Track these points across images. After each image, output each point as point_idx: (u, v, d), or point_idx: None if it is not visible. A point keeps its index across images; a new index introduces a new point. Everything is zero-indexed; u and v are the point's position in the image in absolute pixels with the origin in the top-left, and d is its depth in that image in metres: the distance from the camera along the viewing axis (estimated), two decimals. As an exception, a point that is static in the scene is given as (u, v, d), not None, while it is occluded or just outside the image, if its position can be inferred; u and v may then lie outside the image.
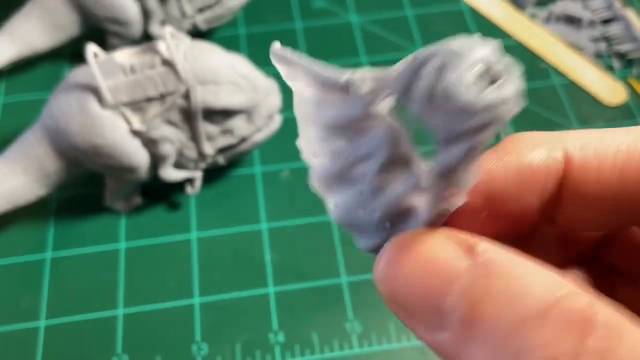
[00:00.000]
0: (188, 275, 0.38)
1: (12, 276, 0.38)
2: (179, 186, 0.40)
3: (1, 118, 0.44)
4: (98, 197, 0.40)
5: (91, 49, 0.34)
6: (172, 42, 0.33)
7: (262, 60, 0.47)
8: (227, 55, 0.35)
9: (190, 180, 0.39)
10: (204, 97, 0.34)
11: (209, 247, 0.39)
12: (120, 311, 0.36)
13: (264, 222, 0.40)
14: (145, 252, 0.39)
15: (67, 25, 0.43)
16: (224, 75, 0.34)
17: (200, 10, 0.44)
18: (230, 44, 0.49)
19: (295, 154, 0.42)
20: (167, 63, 0.33)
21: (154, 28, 0.44)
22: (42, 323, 0.36)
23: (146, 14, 0.43)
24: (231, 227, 0.40)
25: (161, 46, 0.34)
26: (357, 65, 0.47)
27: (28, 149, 0.35)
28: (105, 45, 0.46)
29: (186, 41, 0.34)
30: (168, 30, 0.34)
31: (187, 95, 0.34)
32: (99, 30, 0.44)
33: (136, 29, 0.43)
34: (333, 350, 0.35)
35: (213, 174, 0.41)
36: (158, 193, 0.41)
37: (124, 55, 0.34)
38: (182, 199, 0.41)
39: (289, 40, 0.49)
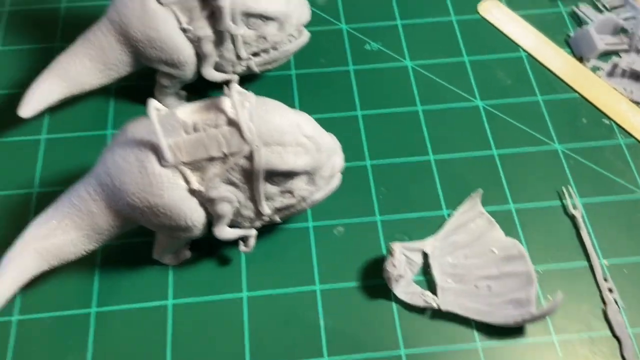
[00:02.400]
0: (239, 337, 0.36)
1: (57, 331, 0.36)
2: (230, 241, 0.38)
3: (44, 154, 0.43)
4: (145, 248, 0.39)
5: (153, 104, 0.32)
6: (237, 99, 0.31)
7: (312, 103, 0.46)
8: (293, 113, 0.33)
9: (243, 238, 0.37)
10: (268, 158, 0.32)
11: (261, 307, 0.37)
12: (168, 376, 0.35)
13: (317, 283, 0.38)
14: (194, 309, 0.37)
15: (118, 65, 0.41)
16: (289, 136, 0.33)
17: (255, 54, 0.42)
18: (281, 84, 0.47)
19: (349, 210, 0.40)
20: (232, 123, 0.32)
21: (208, 71, 0.42)
22: (85, 384, 0.34)
23: (201, 57, 0.41)
24: (283, 288, 0.38)
25: (226, 104, 0.32)
26: (413, 112, 0.46)
27: (80, 205, 0.33)
28: (154, 84, 0.44)
29: (251, 99, 0.33)
30: (235, 88, 0.32)
31: (250, 156, 0.32)
32: (149, 69, 0.43)
33: (189, 71, 0.42)
34: None
35: (265, 227, 0.39)
36: (207, 247, 0.39)
37: (186, 112, 0.33)
38: (232, 254, 0.39)
39: (341, 82, 0.47)
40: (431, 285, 0.38)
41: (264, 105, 0.33)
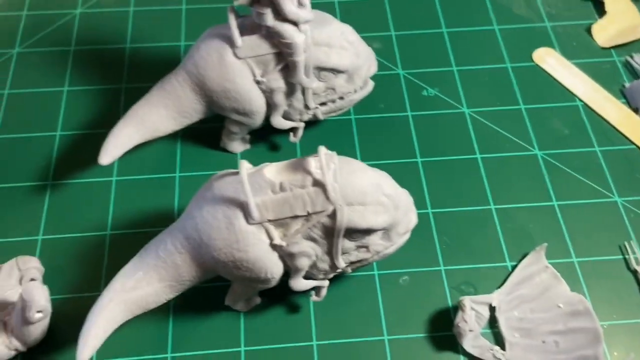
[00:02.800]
0: (310, 387, 0.37)
1: (134, 377, 0.37)
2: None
3: (115, 197, 0.44)
4: (217, 294, 0.40)
5: (245, 165, 0.33)
6: (324, 161, 0.33)
7: (372, 147, 0.47)
8: (373, 173, 0.34)
9: (315, 288, 0.38)
10: (350, 217, 0.33)
11: (330, 356, 0.38)
12: None
13: (385, 333, 0.39)
14: (266, 356, 0.38)
15: (192, 113, 0.43)
16: (370, 196, 0.34)
17: (322, 103, 0.44)
18: (342, 128, 0.48)
19: (413, 260, 0.41)
20: (318, 183, 0.33)
21: (277, 119, 0.43)
22: None
23: (271, 106, 0.42)
24: (352, 337, 0.39)
25: (312, 165, 0.33)
26: (472, 160, 0.46)
27: (166, 257, 0.34)
28: (219, 126, 0.46)
29: (335, 159, 0.34)
30: (322, 150, 0.33)
31: (333, 215, 0.33)
32: (216, 114, 0.44)
33: (259, 119, 0.43)
34: None
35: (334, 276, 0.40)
36: (277, 294, 0.40)
37: (273, 171, 0.34)
38: (301, 301, 0.40)
39: (400, 127, 0.48)
40: (498, 339, 0.38)
41: (347, 165, 0.34)
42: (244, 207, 0.33)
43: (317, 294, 0.38)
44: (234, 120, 0.43)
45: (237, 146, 0.46)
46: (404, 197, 0.36)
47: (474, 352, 0.37)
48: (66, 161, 0.46)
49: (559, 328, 0.38)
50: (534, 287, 0.40)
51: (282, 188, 0.33)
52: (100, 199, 0.44)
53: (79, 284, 0.40)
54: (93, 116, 0.48)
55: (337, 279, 0.40)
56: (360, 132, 0.48)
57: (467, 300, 0.38)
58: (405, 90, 0.50)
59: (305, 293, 0.39)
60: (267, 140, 0.47)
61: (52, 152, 0.46)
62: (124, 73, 0.51)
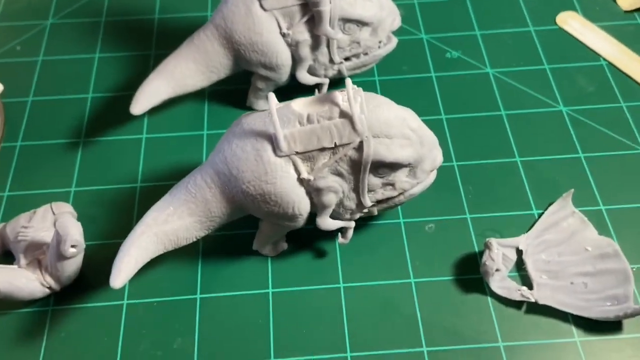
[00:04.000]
0: (338, 324, 0.37)
1: (165, 315, 0.38)
2: (324, 233, 0.39)
3: (144, 152, 0.45)
4: (244, 239, 0.40)
5: (273, 97, 0.34)
6: (351, 93, 0.33)
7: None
8: (400, 108, 0.35)
9: (341, 230, 0.38)
10: (376, 149, 0.34)
11: (357, 298, 0.38)
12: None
13: (411, 276, 0.39)
14: (293, 297, 0.38)
15: (219, 68, 0.43)
16: (396, 129, 0.34)
17: (347, 58, 0.44)
18: (366, 89, 0.48)
19: (439, 208, 0.41)
20: (345, 115, 0.33)
21: (302, 74, 0.44)
22: (193, 366, 0.36)
23: (297, 60, 0.43)
24: (378, 280, 0.39)
25: (339, 97, 0.34)
26: (497, 117, 0.47)
27: (197, 192, 0.35)
28: (245, 87, 0.47)
29: (362, 93, 0.34)
30: (348, 82, 0.34)
31: (359, 147, 0.34)
32: (243, 73, 0.45)
33: (285, 74, 0.44)
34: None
35: (360, 220, 0.40)
36: (304, 240, 0.40)
37: (301, 105, 0.34)
38: (327, 246, 0.40)
39: (424, 88, 0.49)
40: (525, 281, 0.38)
41: (373, 99, 0.34)
42: (272, 140, 0.34)
43: (344, 236, 0.38)
44: (260, 75, 0.44)
45: (264, 104, 0.47)
46: (429, 134, 0.36)
47: (502, 292, 0.37)
48: (98, 120, 0.47)
49: (588, 270, 0.38)
50: (562, 231, 0.40)
51: (309, 120, 0.34)
52: (131, 154, 0.45)
53: (110, 232, 0.41)
54: (124, 80, 0.50)
55: (363, 225, 0.41)
56: (384, 93, 0.49)
57: (493, 241, 0.38)
58: (429, 54, 0.51)
59: (332, 236, 0.40)
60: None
61: (85, 113, 0.47)
62: (152, 41, 0.52)
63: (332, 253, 0.40)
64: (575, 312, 0.36)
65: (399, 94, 0.48)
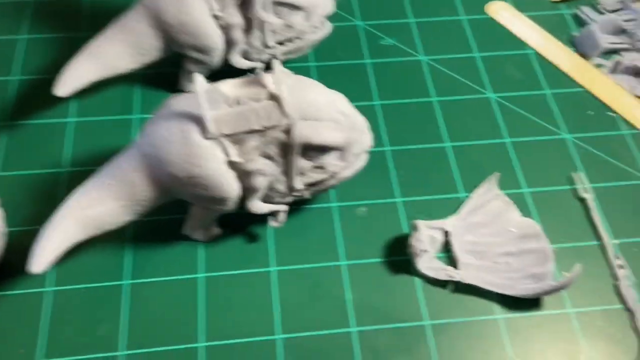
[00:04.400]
0: (268, 308, 0.37)
1: (91, 302, 0.37)
2: (256, 218, 0.39)
3: (70, 136, 0.44)
4: (174, 225, 0.40)
5: (199, 78, 0.33)
6: (279, 75, 0.33)
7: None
8: (330, 92, 0.35)
9: (274, 213, 0.38)
10: (304, 132, 0.34)
11: (289, 281, 0.38)
12: (202, 344, 0.36)
13: (342, 259, 0.39)
14: (225, 282, 0.38)
15: (149, 50, 0.43)
16: (325, 112, 0.34)
17: (281, 42, 0.44)
18: (301, 74, 0.49)
19: (370, 192, 0.42)
20: (273, 97, 0.33)
21: (235, 58, 0.44)
22: (120, 353, 0.35)
23: (229, 43, 0.43)
24: (310, 263, 0.39)
25: (267, 79, 0.34)
26: (428, 103, 0.48)
27: (121, 175, 0.35)
28: (178, 71, 0.46)
29: (291, 76, 0.34)
30: (277, 64, 0.34)
31: (288, 130, 0.34)
32: (176, 55, 0.44)
33: (217, 57, 0.43)
34: (419, 394, 0.35)
35: (292, 204, 0.40)
36: (236, 224, 0.40)
37: (229, 86, 0.34)
38: (260, 231, 0.40)
39: (358, 74, 0.49)
40: (452, 262, 0.39)
41: (302, 82, 0.35)
42: (200, 122, 0.33)
43: (276, 220, 0.38)
44: (192, 58, 0.43)
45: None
46: (359, 118, 0.37)
47: (429, 272, 0.38)
48: (25, 104, 0.45)
49: (511, 250, 0.39)
50: (487, 213, 0.41)
51: (237, 102, 0.33)
52: (59, 138, 0.44)
53: (36, 217, 0.40)
54: (52, 62, 0.48)
55: (296, 209, 0.41)
56: (319, 78, 0.48)
57: (419, 222, 0.39)
58: (364, 40, 0.51)
59: (265, 220, 0.40)
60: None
61: (11, 95, 0.46)
62: (82, 22, 0.51)
63: (265, 237, 0.40)
64: (498, 290, 0.38)
65: (334, 79, 0.49)
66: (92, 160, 0.43)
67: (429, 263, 0.38)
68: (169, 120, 0.34)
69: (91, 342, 0.35)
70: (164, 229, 0.40)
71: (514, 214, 0.41)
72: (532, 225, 0.40)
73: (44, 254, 0.32)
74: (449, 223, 0.40)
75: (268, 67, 0.46)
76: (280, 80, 0.33)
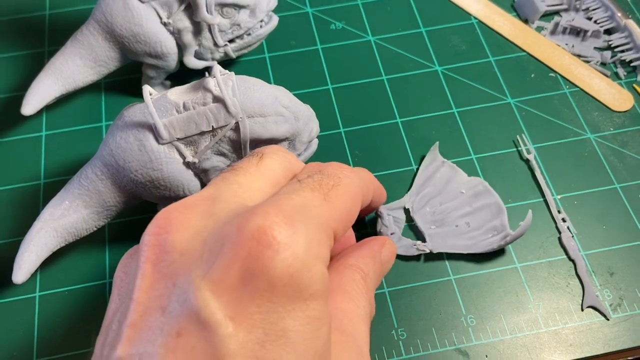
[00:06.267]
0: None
1: (77, 303, 0.40)
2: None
3: (45, 149, 0.47)
4: (147, 223, 0.43)
5: (147, 89, 0.36)
6: (221, 79, 0.36)
7: (287, 81, 0.50)
8: (271, 88, 0.38)
9: (236, 204, 0.41)
10: (252, 128, 0.37)
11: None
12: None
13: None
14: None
15: (107, 61, 0.45)
16: (269, 107, 0.37)
17: (231, 40, 0.47)
18: (257, 67, 0.51)
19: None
20: (218, 99, 0.36)
21: (189, 59, 0.46)
22: (108, 345, 0.39)
23: (182, 47, 0.45)
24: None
25: (211, 83, 0.36)
26: (379, 82, 0.50)
27: (89, 185, 0.37)
28: (140, 77, 0.48)
29: (233, 77, 0.37)
30: (217, 68, 0.36)
31: (236, 128, 0.36)
32: (135, 63, 0.47)
33: (172, 61, 0.46)
34: (383, 358, 0.38)
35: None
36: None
37: (176, 94, 0.37)
38: (227, 221, 0.43)
39: (311, 60, 0.52)
40: (418, 236, 0.42)
41: (244, 82, 0.37)
42: (152, 129, 0.36)
43: (238, 209, 0.41)
44: (149, 64, 0.46)
45: (159, 91, 0.48)
46: (303, 108, 0.39)
47: (400, 251, 0.41)
48: (-3, 123, 0.48)
49: (467, 210, 0.42)
50: (437, 182, 0.44)
51: (185, 107, 0.36)
52: (32, 152, 0.47)
53: (17, 230, 0.43)
54: (18, 80, 0.50)
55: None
56: (275, 68, 0.51)
57: (382, 208, 0.42)
58: (315, 27, 0.54)
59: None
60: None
61: (-19, 116, 0.48)
62: (45, 38, 0.53)
63: (232, 226, 0.43)
64: (465, 251, 0.41)
65: (289, 68, 0.51)
66: (68, 169, 0.46)
67: (399, 242, 0.41)
68: (125, 130, 0.36)
69: (80, 341, 0.39)
70: (137, 228, 0.43)
71: (462, 176, 0.44)
72: (480, 182, 0.43)
73: (25, 266, 0.36)
74: (406, 200, 0.43)
75: (223, 64, 0.49)
76: (222, 82, 0.36)
